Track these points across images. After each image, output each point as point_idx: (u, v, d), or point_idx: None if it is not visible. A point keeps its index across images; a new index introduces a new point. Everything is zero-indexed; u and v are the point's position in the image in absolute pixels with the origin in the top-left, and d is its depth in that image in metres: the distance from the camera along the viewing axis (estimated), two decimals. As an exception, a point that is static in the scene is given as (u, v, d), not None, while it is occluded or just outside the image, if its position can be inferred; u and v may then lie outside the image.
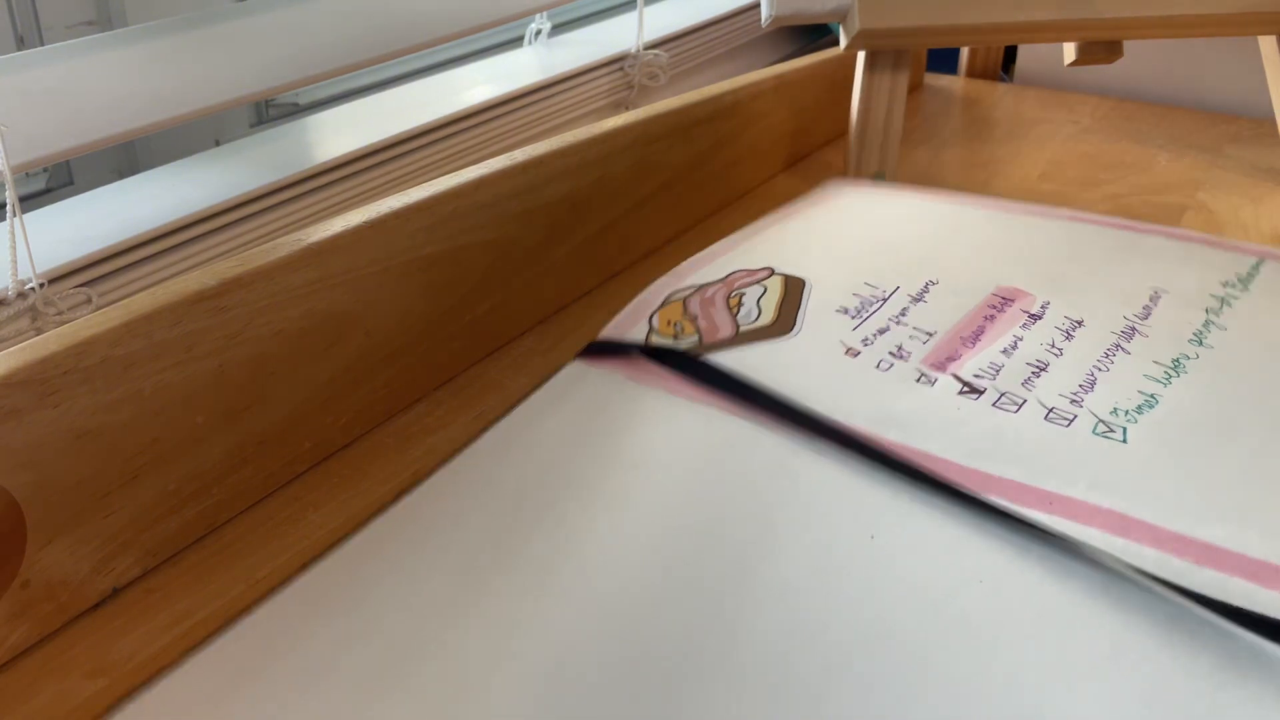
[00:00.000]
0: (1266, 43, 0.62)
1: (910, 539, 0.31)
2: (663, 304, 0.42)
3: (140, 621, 0.30)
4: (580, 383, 0.38)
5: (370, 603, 0.29)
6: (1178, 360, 0.39)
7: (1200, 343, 0.40)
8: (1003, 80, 0.87)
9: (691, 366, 0.38)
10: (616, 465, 0.34)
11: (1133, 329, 0.41)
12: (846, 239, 0.48)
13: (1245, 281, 0.44)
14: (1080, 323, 0.41)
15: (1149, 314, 0.42)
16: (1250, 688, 0.26)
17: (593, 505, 0.32)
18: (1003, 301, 0.43)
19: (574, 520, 0.32)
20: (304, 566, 0.31)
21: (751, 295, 0.43)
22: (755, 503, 0.32)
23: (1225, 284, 0.44)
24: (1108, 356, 0.39)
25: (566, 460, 0.34)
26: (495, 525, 0.32)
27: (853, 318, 0.41)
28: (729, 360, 0.39)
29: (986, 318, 0.41)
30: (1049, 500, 0.32)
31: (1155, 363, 0.39)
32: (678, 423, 0.36)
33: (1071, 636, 0.28)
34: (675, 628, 0.28)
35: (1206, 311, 0.42)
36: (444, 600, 0.29)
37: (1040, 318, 0.41)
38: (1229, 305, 0.42)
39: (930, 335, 0.40)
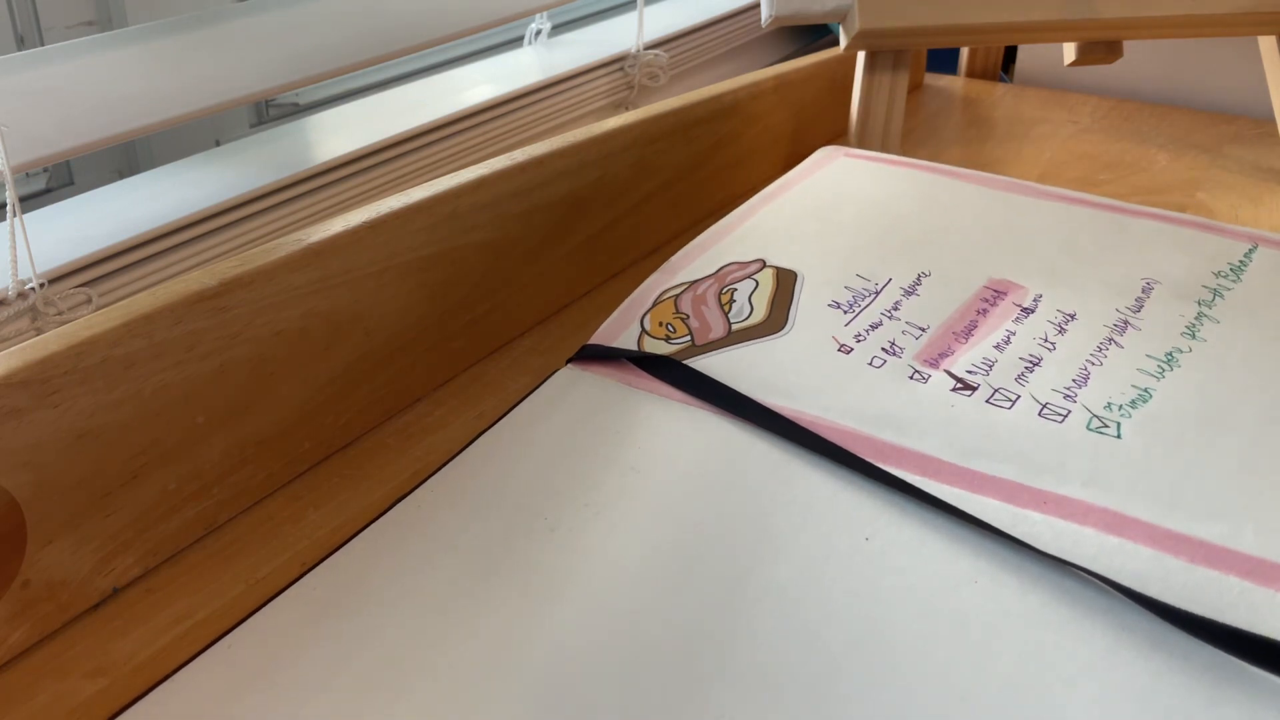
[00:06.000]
0: (1266, 43, 0.62)
1: (905, 540, 0.31)
2: (654, 303, 0.42)
3: (140, 621, 0.30)
4: (573, 387, 0.38)
5: (369, 609, 0.29)
6: (1170, 354, 0.39)
7: (1193, 335, 0.40)
8: (1003, 80, 0.87)
9: (682, 376, 0.38)
10: (612, 469, 0.34)
11: (1125, 322, 0.41)
12: (839, 222, 0.48)
13: (1238, 271, 0.44)
14: (1073, 316, 0.41)
15: (1141, 306, 0.42)
16: (1247, 685, 0.26)
17: (588, 510, 0.32)
18: (995, 294, 0.43)
19: (570, 525, 0.32)
20: (303, 572, 0.31)
21: (743, 291, 0.43)
22: (751, 505, 0.32)
23: (1217, 274, 0.44)
24: (1100, 350, 0.39)
25: (561, 465, 0.34)
26: (491, 532, 0.32)
27: (845, 312, 0.41)
28: (722, 361, 0.39)
29: (979, 311, 0.41)
30: (1043, 500, 0.32)
31: (1148, 356, 0.39)
32: (672, 426, 0.36)
33: (1067, 634, 0.28)
34: (672, 630, 0.28)
35: (1199, 304, 0.42)
36: (442, 606, 0.29)
37: (1033, 311, 0.41)
38: (1221, 296, 0.42)
39: (923, 330, 0.40)
